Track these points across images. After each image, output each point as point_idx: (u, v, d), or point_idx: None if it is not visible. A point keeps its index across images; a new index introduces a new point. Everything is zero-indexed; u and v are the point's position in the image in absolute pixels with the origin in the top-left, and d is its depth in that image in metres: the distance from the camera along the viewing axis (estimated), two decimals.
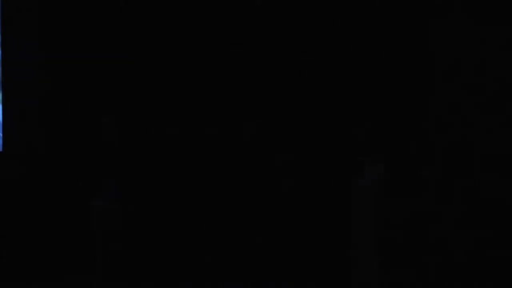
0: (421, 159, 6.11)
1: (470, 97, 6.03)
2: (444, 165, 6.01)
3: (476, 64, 6.02)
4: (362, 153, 5.54)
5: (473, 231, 5.89)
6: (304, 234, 6.39)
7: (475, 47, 6.03)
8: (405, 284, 5.75)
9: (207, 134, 6.48)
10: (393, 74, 6.34)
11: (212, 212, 6.47)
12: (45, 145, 6.30)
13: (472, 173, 5.94)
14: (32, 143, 6.23)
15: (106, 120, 5.97)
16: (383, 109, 6.32)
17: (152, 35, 6.48)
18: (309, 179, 6.44)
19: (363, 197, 5.42)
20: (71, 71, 6.42)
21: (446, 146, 6.05)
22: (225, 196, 6.47)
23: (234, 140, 6.52)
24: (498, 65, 5.96)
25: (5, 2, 6.27)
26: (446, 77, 6.12)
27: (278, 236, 6.40)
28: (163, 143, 6.48)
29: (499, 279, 5.77)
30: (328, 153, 6.41)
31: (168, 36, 6.46)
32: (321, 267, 6.22)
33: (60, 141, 6.36)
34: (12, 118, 6.22)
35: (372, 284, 5.40)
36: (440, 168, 6.01)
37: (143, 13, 6.46)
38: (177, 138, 6.47)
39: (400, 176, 5.97)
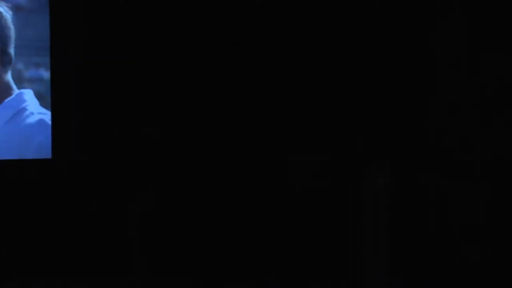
0: (421, 159, 6.14)
1: (470, 97, 6.05)
2: (444, 165, 6.04)
3: (476, 64, 6.03)
4: (368, 155, 5.62)
5: (473, 231, 5.92)
6: (314, 236, 6.41)
7: (475, 47, 6.04)
8: (411, 284, 5.79)
9: (216, 134, 6.54)
10: (394, 74, 6.35)
11: (227, 214, 6.53)
12: (90, 151, 6.37)
13: (472, 173, 5.96)
14: (79, 150, 6.29)
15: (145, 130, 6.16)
16: (383, 110, 6.34)
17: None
18: (315, 181, 6.47)
19: (370, 199, 5.50)
20: (115, 78, 6.46)
21: (446, 146, 6.07)
22: (236, 196, 6.52)
23: (241, 140, 6.54)
24: (498, 65, 5.97)
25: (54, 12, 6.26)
26: (446, 77, 6.14)
27: (287, 237, 6.43)
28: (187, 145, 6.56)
29: (499, 278, 5.79)
30: (336, 155, 6.43)
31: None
32: (329, 269, 6.23)
33: (103, 147, 6.42)
34: (61, 125, 6.21)
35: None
36: (440, 168, 6.03)
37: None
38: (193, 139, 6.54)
39: (404, 177, 6.00)
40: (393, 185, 5.85)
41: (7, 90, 5.93)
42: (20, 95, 5.97)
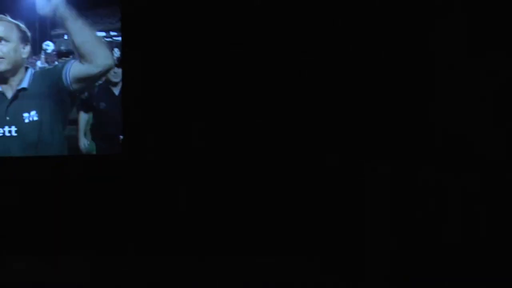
0: (421, 158, 6.15)
1: (470, 97, 6.06)
2: (444, 165, 6.05)
3: (476, 64, 6.04)
4: (368, 154, 5.65)
5: (473, 231, 5.93)
6: (314, 236, 6.43)
7: (475, 47, 6.05)
8: (412, 284, 5.80)
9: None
10: (394, 74, 6.36)
11: (227, 211, 6.61)
12: (155, 148, 6.69)
13: (472, 172, 5.97)
14: (147, 146, 6.72)
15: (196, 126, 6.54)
16: (384, 109, 6.35)
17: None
18: (316, 181, 6.49)
19: (370, 198, 5.55)
20: (177, 79, 6.68)
21: (446, 146, 6.08)
22: (236, 196, 6.56)
23: (241, 140, 6.56)
24: (498, 65, 5.98)
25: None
26: (446, 77, 6.15)
27: (287, 236, 6.45)
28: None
29: (499, 278, 5.80)
30: (336, 154, 6.45)
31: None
32: (329, 268, 6.25)
33: (163, 145, 6.70)
34: (130, 122, 6.72)
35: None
36: (441, 168, 6.04)
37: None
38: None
39: (404, 177, 6.01)
40: (393, 184, 5.86)
41: None
42: None
